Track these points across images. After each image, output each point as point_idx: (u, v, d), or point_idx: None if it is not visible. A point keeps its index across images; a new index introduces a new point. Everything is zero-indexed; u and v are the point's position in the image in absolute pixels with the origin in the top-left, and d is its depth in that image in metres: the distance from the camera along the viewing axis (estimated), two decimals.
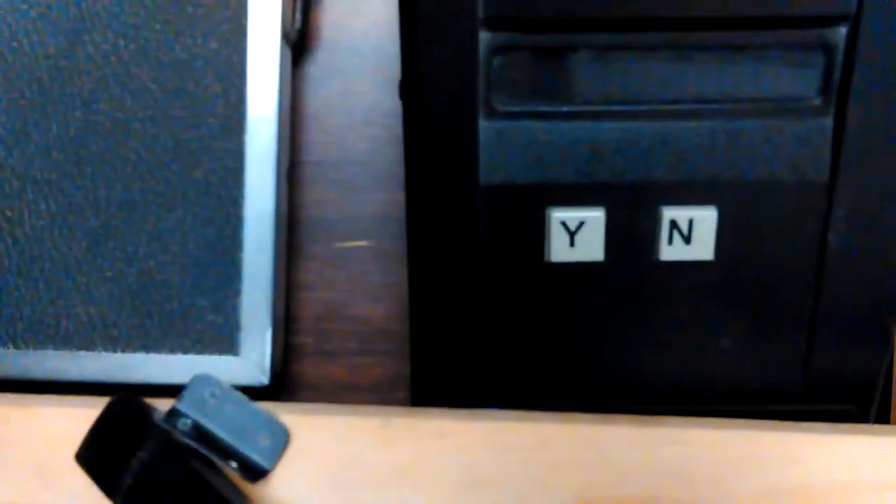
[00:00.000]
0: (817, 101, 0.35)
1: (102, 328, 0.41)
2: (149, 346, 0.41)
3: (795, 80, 0.35)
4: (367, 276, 0.45)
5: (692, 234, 0.36)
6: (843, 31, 0.34)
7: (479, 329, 0.38)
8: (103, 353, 0.41)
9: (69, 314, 0.41)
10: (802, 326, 0.38)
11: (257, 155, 0.40)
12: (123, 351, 0.41)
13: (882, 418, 0.44)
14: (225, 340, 0.41)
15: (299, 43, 0.43)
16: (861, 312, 0.38)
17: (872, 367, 0.39)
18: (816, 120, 0.36)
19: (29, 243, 0.41)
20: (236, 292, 0.41)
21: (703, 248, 0.37)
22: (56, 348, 0.41)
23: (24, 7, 0.40)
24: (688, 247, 0.37)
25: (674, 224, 0.36)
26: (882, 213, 0.36)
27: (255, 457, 0.36)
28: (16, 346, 0.41)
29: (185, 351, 0.41)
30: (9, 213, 0.40)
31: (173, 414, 0.36)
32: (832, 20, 0.34)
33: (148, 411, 0.36)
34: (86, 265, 0.41)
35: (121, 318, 0.41)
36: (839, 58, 0.35)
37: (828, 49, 0.35)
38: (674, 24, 0.34)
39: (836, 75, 0.35)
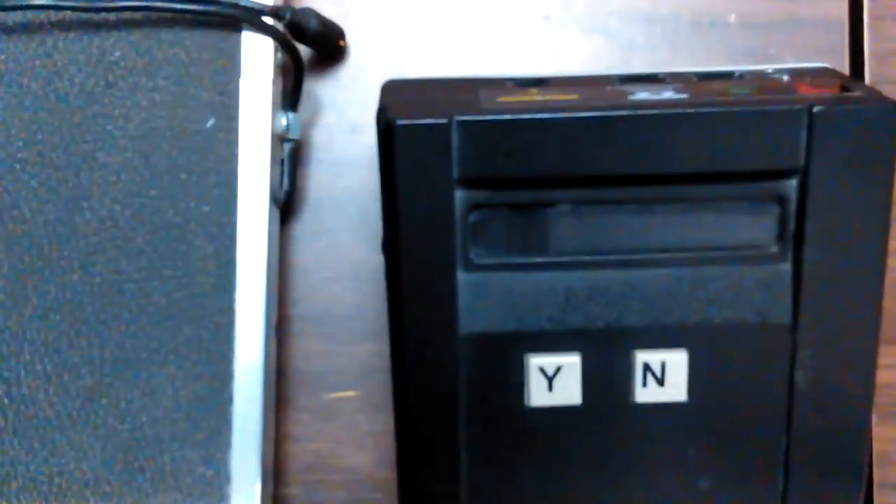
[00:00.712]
0: (775, 248, 0.38)
1: (95, 484, 0.42)
2: (141, 500, 0.41)
3: (753, 229, 0.37)
4: (355, 426, 0.46)
5: (665, 376, 0.38)
6: (793, 183, 0.37)
7: (464, 473, 0.39)
8: None
9: (63, 471, 0.42)
10: (777, 464, 0.39)
11: (247, 312, 0.42)
12: None
13: None
14: (215, 493, 0.41)
15: (287, 203, 0.45)
16: (833, 448, 0.39)
17: (849, 502, 0.39)
18: (775, 265, 0.38)
19: (24, 403, 0.42)
20: (226, 445, 0.42)
21: (676, 389, 0.38)
22: None
23: (26, 177, 0.42)
24: (662, 389, 0.38)
25: (647, 367, 0.38)
26: (844, 350, 0.38)
27: None
28: None
29: None
30: (6, 374, 0.42)
31: None
32: (783, 174, 0.36)
33: None
34: (79, 422, 0.42)
35: (113, 473, 0.42)
36: (792, 207, 0.37)
37: (781, 200, 0.37)
38: (639, 180, 0.37)
39: (791, 223, 0.37)
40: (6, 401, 0.42)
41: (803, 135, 0.36)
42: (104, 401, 0.42)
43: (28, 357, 0.42)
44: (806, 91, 0.38)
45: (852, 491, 0.39)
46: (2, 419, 0.42)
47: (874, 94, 0.37)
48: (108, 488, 0.42)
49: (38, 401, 0.42)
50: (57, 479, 0.42)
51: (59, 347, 0.42)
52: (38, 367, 0.42)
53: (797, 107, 0.36)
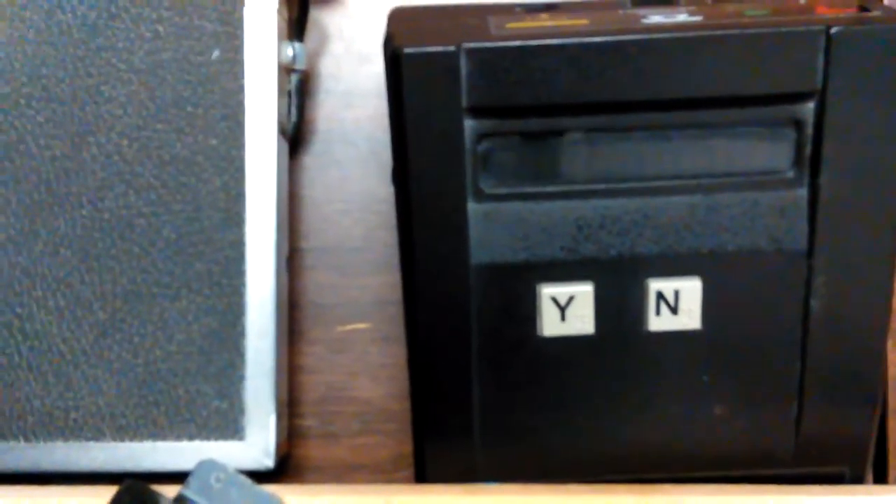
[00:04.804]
0: (791, 174, 0.37)
1: (110, 418, 0.42)
2: (156, 434, 0.42)
3: (769, 154, 0.37)
4: (367, 357, 0.46)
5: (679, 304, 0.38)
6: (811, 106, 0.36)
7: (477, 404, 0.39)
8: (112, 443, 0.42)
9: (78, 406, 0.42)
10: (791, 390, 0.39)
11: (257, 245, 0.42)
12: (131, 440, 0.42)
13: (880, 478, 0.45)
14: (230, 426, 0.42)
15: (295, 135, 0.45)
16: (847, 373, 0.38)
17: (862, 427, 0.39)
18: (791, 191, 0.37)
19: (38, 338, 0.42)
20: (240, 378, 0.42)
21: (689, 317, 0.38)
22: (66, 440, 0.42)
23: (31, 112, 0.41)
24: (675, 317, 0.38)
25: (660, 295, 0.38)
26: (860, 276, 0.37)
27: None
28: (26, 440, 0.42)
29: (191, 437, 0.42)
30: (18, 310, 0.42)
31: (180, 500, 0.36)
32: (800, 97, 0.36)
33: (155, 498, 0.37)
34: (93, 357, 0.42)
35: (128, 407, 0.42)
36: (809, 131, 0.36)
37: (798, 124, 0.36)
38: (652, 105, 0.36)
39: (808, 148, 0.36)
40: (20, 336, 0.42)
41: (820, 57, 0.35)
42: (117, 335, 0.42)
43: (40, 293, 0.42)
44: (823, 12, 0.37)
45: (866, 416, 0.39)
46: (16, 355, 0.42)
47: (893, 14, 0.36)
48: (123, 422, 0.42)
49: (52, 336, 0.42)
50: (73, 414, 0.42)
51: (70, 283, 0.42)
52: (51, 302, 0.42)
53: (814, 28, 0.35)
